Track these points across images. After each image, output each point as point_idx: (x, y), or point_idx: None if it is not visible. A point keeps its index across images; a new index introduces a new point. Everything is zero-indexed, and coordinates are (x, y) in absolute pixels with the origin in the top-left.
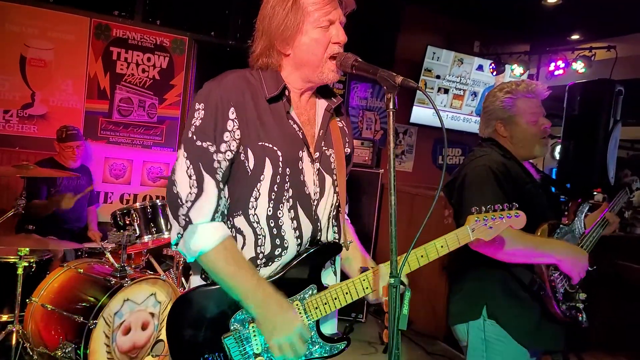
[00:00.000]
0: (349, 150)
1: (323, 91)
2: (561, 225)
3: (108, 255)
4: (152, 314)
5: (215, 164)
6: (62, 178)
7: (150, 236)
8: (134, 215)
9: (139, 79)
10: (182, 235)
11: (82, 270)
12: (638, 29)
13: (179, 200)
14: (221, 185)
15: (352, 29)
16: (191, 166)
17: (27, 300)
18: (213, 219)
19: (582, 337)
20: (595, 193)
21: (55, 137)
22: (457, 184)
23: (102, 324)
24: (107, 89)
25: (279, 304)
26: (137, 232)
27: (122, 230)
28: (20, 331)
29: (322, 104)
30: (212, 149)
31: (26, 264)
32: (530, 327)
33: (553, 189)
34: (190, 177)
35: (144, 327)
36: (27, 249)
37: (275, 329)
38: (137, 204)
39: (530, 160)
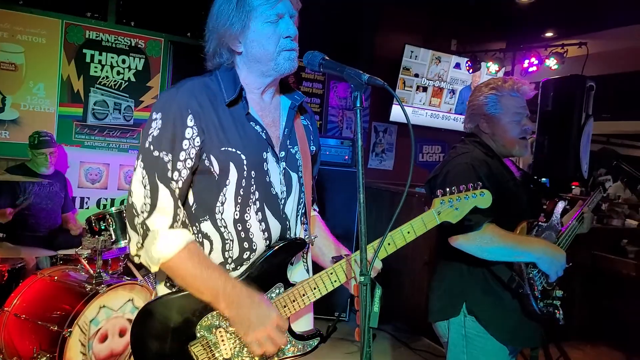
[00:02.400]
0: (314, 148)
1: (286, 90)
2: (539, 224)
3: (83, 261)
4: (130, 320)
5: (172, 174)
6: (32, 185)
7: (126, 241)
8: (110, 220)
9: (114, 82)
10: (142, 244)
11: (56, 278)
12: (608, 25)
13: (134, 211)
14: (177, 194)
15: (331, 29)
16: (146, 176)
17: None
18: (172, 227)
19: (562, 328)
20: (573, 187)
21: (28, 143)
22: (439, 181)
23: (78, 332)
24: (81, 92)
25: (250, 298)
26: (113, 237)
27: (97, 236)
28: None
29: (285, 103)
30: (168, 158)
31: None
32: (509, 325)
33: (533, 186)
34: (145, 187)
35: (121, 333)
36: None
37: (251, 325)
38: (113, 209)
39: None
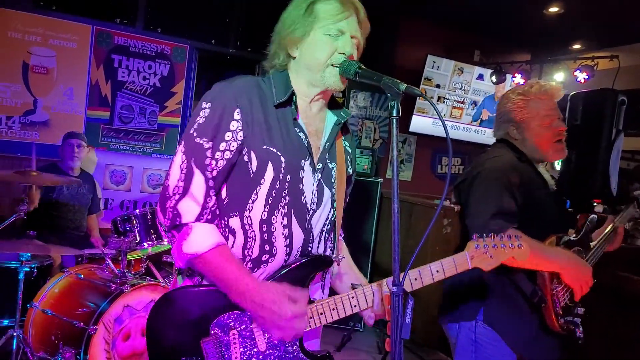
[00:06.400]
0: (350, 170)
1: (334, 106)
2: (570, 239)
3: (108, 261)
4: None
5: (209, 161)
6: (61, 186)
7: (150, 242)
8: (134, 222)
9: (140, 87)
10: (169, 228)
11: (82, 276)
12: None
13: (166, 193)
14: (211, 184)
15: None
16: (185, 161)
17: (28, 305)
18: (201, 216)
19: (580, 351)
20: (595, 204)
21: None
22: (467, 183)
23: (102, 330)
24: (109, 96)
25: (273, 290)
26: (137, 238)
27: (122, 237)
28: (21, 336)
29: (331, 118)
30: (208, 145)
31: (27, 269)
32: (527, 337)
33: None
34: (182, 171)
35: (143, 333)
36: (29, 254)
37: (273, 317)
38: (138, 211)
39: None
